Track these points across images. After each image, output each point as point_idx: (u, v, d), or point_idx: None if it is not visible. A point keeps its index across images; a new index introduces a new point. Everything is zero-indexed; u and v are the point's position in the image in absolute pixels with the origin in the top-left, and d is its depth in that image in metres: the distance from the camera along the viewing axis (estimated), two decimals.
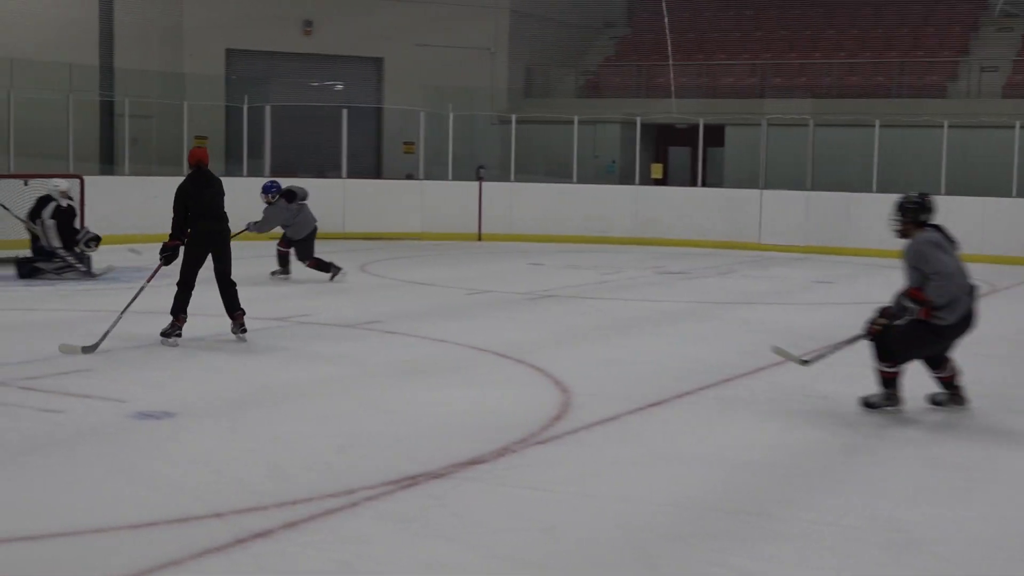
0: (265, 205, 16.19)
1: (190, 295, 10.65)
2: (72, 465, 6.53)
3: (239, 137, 24.53)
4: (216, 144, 25.95)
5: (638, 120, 25.56)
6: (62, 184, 15.98)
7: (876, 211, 22.23)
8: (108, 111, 24.99)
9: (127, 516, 5.66)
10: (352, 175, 24.49)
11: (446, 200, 24.54)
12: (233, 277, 10.84)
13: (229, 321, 10.81)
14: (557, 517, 5.79)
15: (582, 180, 25.22)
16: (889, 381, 8.28)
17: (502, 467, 6.66)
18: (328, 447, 7.00)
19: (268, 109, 24.23)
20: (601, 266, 19.05)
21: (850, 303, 15.17)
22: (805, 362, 8.14)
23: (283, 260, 15.89)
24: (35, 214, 15.67)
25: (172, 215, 10.87)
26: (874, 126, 23.19)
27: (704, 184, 25.58)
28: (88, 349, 6.69)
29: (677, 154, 29.23)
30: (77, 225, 15.84)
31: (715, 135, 26.56)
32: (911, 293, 7.98)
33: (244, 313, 10.81)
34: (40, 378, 8.77)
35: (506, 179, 25.22)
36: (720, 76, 29.85)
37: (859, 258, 21.50)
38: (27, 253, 15.71)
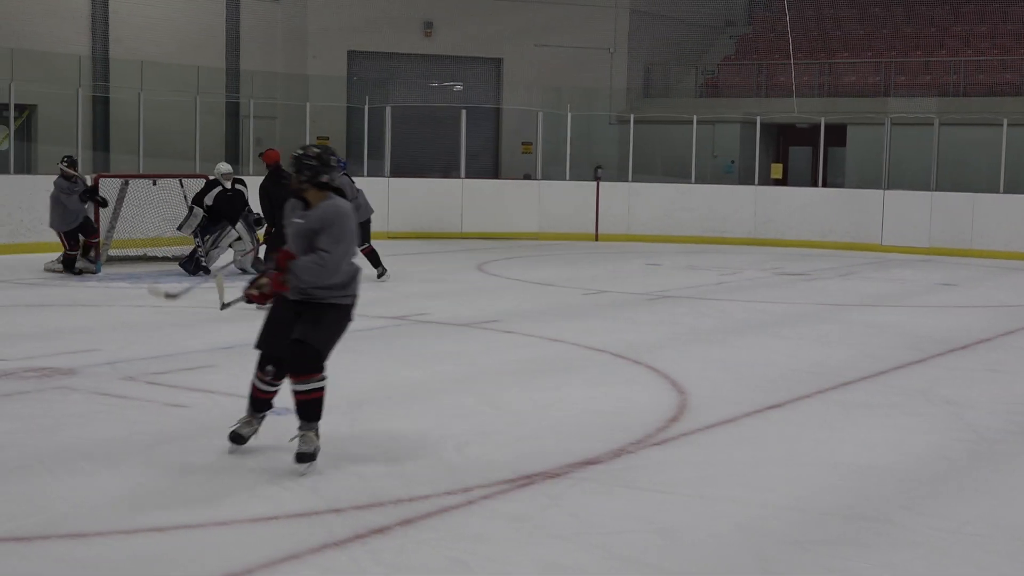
0: None
1: None
2: (196, 459, 6.68)
3: (360, 137, 24.85)
4: (337, 144, 26.35)
5: (758, 120, 25.29)
6: (224, 167, 16.17)
7: (1002, 212, 21.79)
8: (233, 112, 25.52)
9: (248, 510, 5.78)
10: (470, 175, 24.65)
11: (563, 200, 24.55)
12: None
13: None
14: (673, 519, 5.76)
15: (700, 180, 25.04)
16: None
17: (618, 468, 6.65)
18: (446, 445, 7.06)
19: (388, 110, 24.50)
20: (719, 267, 18.90)
21: (974, 306, 14.86)
22: (225, 306, 7.22)
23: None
24: (199, 199, 15.97)
25: (262, 205, 12.49)
26: (1001, 125, 22.63)
27: (825, 184, 25.23)
28: (172, 295, 6.91)
29: (797, 154, 28.88)
30: (256, 212, 15.65)
31: (837, 134, 26.18)
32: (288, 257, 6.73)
33: None
34: (166, 373, 8.99)
35: (624, 179, 25.15)
36: (842, 75, 29.42)
37: (984, 260, 21.02)
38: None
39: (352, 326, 10.83)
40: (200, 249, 15.81)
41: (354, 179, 15.69)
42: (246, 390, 7.10)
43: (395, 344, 10.90)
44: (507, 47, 29.39)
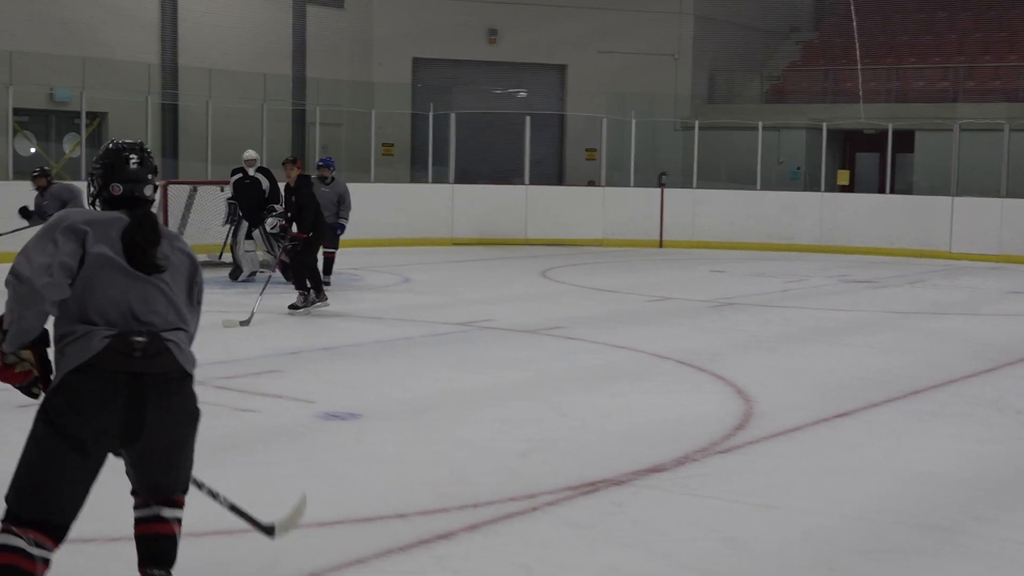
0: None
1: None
2: (264, 463, 6.74)
3: (425, 144, 24.97)
4: (402, 151, 26.52)
5: (824, 126, 25.11)
6: (248, 153, 16.14)
7: None
8: (300, 119, 25.75)
9: (315, 514, 5.82)
10: (534, 182, 24.70)
11: (628, 207, 24.51)
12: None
13: (413, 327, 11.07)
14: (739, 527, 5.73)
15: (766, 187, 24.90)
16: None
17: (683, 475, 6.63)
18: (510, 451, 7.07)
19: (453, 116, 24.59)
20: (785, 274, 18.78)
21: None
22: (245, 323, 7.03)
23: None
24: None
25: (305, 213, 13.00)
26: None
27: (892, 191, 24.98)
28: (245, 323, 6.91)
29: (864, 160, 28.62)
30: (278, 206, 15.57)
31: (904, 140, 25.92)
32: None
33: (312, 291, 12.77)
34: (235, 378, 9.08)
35: (688, 185, 25.06)
36: (910, 80, 29.12)
37: None
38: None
39: (416, 332, 10.87)
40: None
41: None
42: (314, 395, 7.19)
43: (459, 350, 10.93)
44: (571, 53, 29.40)
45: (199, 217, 17.10)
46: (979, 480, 6.76)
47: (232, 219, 15.91)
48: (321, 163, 15.60)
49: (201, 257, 16.96)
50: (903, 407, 8.73)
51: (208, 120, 22.09)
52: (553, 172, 28.80)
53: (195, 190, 17.01)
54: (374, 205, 20.55)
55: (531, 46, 29.12)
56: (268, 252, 15.79)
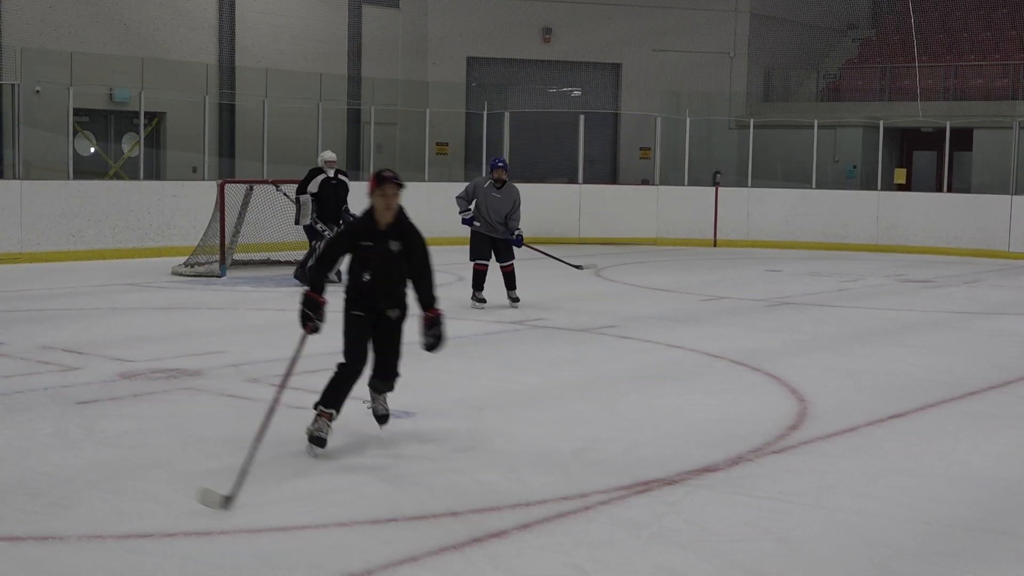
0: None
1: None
2: (319, 461, 6.79)
3: (479, 143, 25.03)
4: (456, 150, 26.57)
5: (881, 124, 24.89)
6: (328, 154, 15.80)
7: None
8: (355, 119, 25.88)
9: (369, 511, 5.86)
10: (588, 180, 24.69)
11: (682, 205, 24.43)
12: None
13: (466, 325, 11.05)
14: (793, 528, 5.71)
15: (821, 185, 24.73)
16: None
17: (736, 475, 6.61)
18: (563, 450, 7.08)
19: (507, 115, 24.62)
20: (840, 273, 18.64)
21: None
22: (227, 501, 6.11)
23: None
24: (302, 188, 15.60)
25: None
26: None
27: (950, 189, 24.72)
28: (228, 502, 5.59)
29: (922, 158, 28.34)
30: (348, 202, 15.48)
31: (962, 138, 25.64)
32: None
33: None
34: (291, 376, 9.11)
35: (743, 184, 24.94)
36: (969, 78, 28.79)
37: None
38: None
39: (469, 330, 10.93)
40: (312, 256, 15.39)
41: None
42: (366, 393, 7.24)
43: (513, 349, 10.95)
44: (625, 52, 29.33)
45: (255, 216, 17.22)
46: None
47: (311, 218, 15.49)
48: (498, 163, 13.74)
49: (258, 256, 17.11)
50: (960, 408, 8.65)
51: (264, 120, 22.25)
52: (607, 171, 28.75)
53: (251, 189, 17.12)
54: (428, 204, 20.62)
55: (585, 45, 29.07)
56: None
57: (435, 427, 7.71)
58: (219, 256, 16.46)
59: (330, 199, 15.46)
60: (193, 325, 12.25)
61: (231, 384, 8.86)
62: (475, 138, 25.65)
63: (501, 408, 8.35)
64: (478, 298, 13.51)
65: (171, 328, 11.96)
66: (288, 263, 17.24)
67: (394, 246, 6.95)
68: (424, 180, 23.40)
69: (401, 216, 6.98)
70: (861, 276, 18.32)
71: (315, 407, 7.00)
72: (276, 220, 17.45)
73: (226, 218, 16.64)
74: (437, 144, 25.08)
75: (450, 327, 11.92)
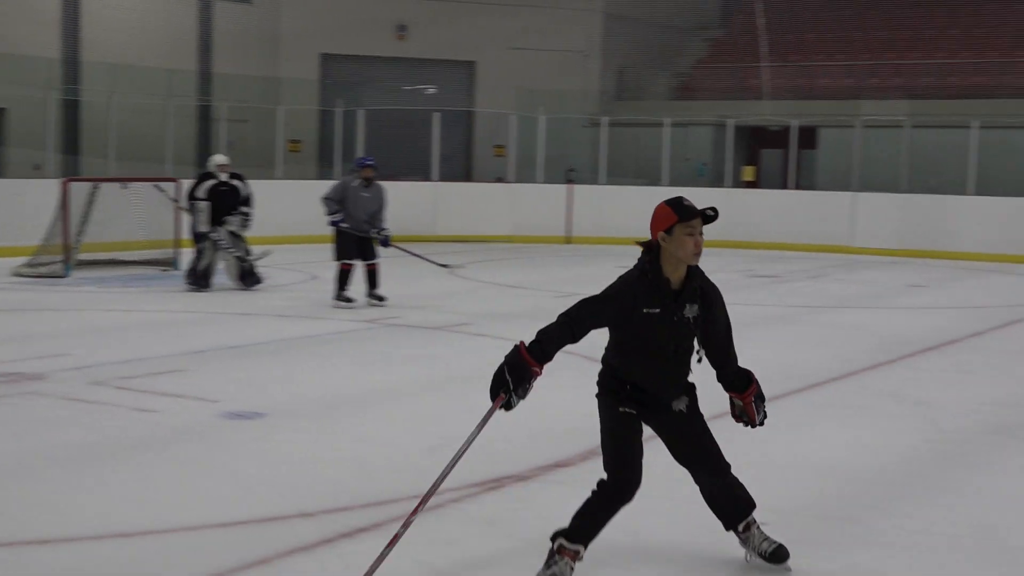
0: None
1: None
2: (165, 464, 6.65)
3: (332, 141, 24.82)
4: (309, 148, 26.31)
5: (729, 122, 25.38)
6: (219, 158, 15.14)
7: (973, 214, 21.92)
8: (205, 115, 25.45)
9: (217, 514, 5.75)
10: (443, 178, 24.66)
11: (536, 203, 24.58)
12: None
13: (319, 324, 10.96)
14: (642, 520, 5.77)
15: (673, 183, 25.08)
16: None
17: (588, 470, 6.64)
18: (416, 449, 7.05)
19: (361, 113, 24.46)
20: None
21: (943, 308, 14.95)
22: None
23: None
24: (192, 193, 14.91)
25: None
26: (971, 127, 22.77)
27: (797, 187, 25.33)
28: None
29: (769, 156, 28.98)
30: (247, 209, 14.83)
31: (808, 137, 26.28)
32: None
33: None
34: (135, 378, 8.94)
35: (596, 182, 25.19)
36: (815, 77, 29.52)
37: (954, 261, 21.14)
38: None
39: (323, 329, 10.78)
40: (201, 261, 14.69)
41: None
42: (217, 394, 7.10)
43: (366, 348, 10.88)
44: (480, 50, 29.39)
45: (101, 215, 16.78)
46: (878, 471, 6.88)
47: (206, 224, 14.62)
48: (366, 162, 13.92)
49: (103, 256, 16.70)
50: (805, 400, 8.85)
51: (111, 116, 21.73)
52: (462, 169, 28.77)
53: (97, 187, 16.69)
54: (281, 202, 20.38)
55: (440, 42, 29.05)
56: (233, 252, 14.74)
57: (287, 427, 7.61)
58: (63, 256, 16.03)
59: (222, 206, 14.71)
60: (35, 327, 11.90)
61: (74, 388, 8.62)
62: (329, 136, 25.43)
63: (354, 407, 8.28)
64: (344, 297, 13.39)
65: (12, 330, 11.60)
66: (135, 263, 16.85)
67: (690, 312, 5.07)
68: (276, 178, 23.12)
69: (694, 267, 5.12)
70: (710, 271, 18.40)
71: (554, 538, 5.04)
72: (123, 219, 17.01)
73: (71, 217, 16.21)
74: (290, 142, 24.80)
75: (303, 326, 11.86)
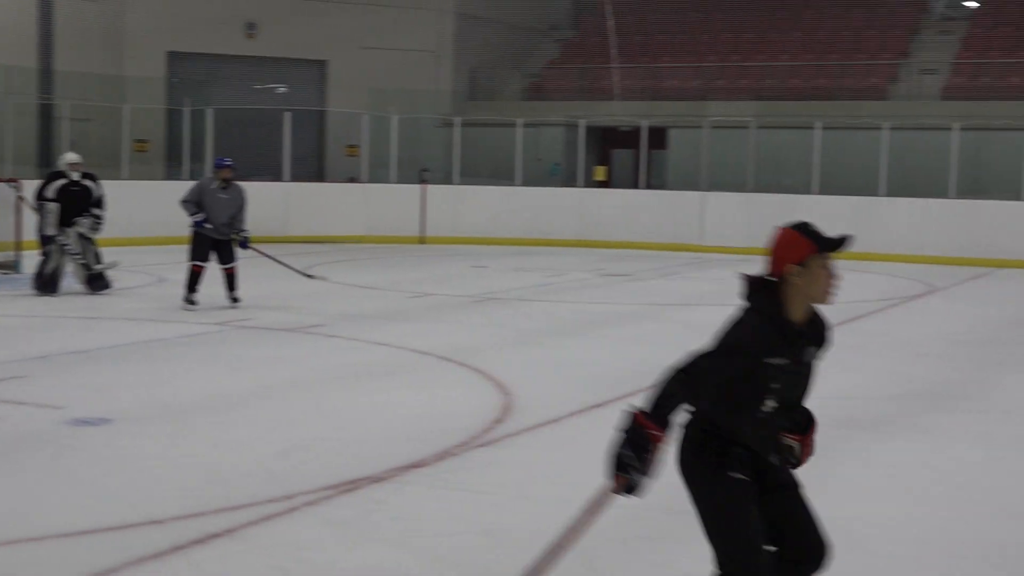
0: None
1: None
2: (7, 473, 6.45)
3: (181, 141, 24.36)
4: (157, 147, 25.79)
5: (581, 123, 25.65)
6: (70, 156, 14.46)
7: (817, 213, 22.43)
8: (47, 114, 24.75)
9: (63, 524, 5.59)
10: (295, 178, 24.41)
11: (389, 203, 24.50)
12: None
13: (168, 327, 10.75)
14: (497, 520, 5.79)
15: (526, 183, 25.26)
16: None
17: (443, 470, 6.65)
18: (269, 452, 6.96)
19: (210, 112, 24.07)
20: (545, 268, 19.08)
21: None
22: None
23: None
24: (40, 193, 14.20)
25: None
26: (815, 128, 23.40)
27: (648, 186, 25.70)
28: None
29: (620, 156, 29.34)
30: (98, 211, 14.21)
31: (658, 137, 26.68)
32: None
33: None
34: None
35: (450, 182, 25.22)
36: (664, 79, 29.99)
37: None
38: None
39: (173, 332, 10.55)
40: (48, 264, 14.04)
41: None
42: (62, 400, 6.89)
43: (216, 351, 10.70)
44: (332, 49, 29.15)
45: None
46: None
47: (54, 227, 13.96)
48: (224, 163, 13.65)
49: None
50: None
51: None
52: (313, 168, 28.50)
53: None
54: (128, 203, 19.91)
55: (291, 41, 28.74)
56: (80, 258, 14.11)
57: (135, 433, 7.44)
58: None
59: (72, 208, 14.06)
60: None
61: None
62: (177, 136, 24.95)
63: (204, 411, 8.13)
64: (191, 300, 13.13)
65: None
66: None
67: (809, 355, 4.11)
68: (123, 179, 22.59)
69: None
70: (564, 271, 18.80)
71: None
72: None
73: None
74: (136, 141, 24.25)
75: (151, 330, 11.61)
